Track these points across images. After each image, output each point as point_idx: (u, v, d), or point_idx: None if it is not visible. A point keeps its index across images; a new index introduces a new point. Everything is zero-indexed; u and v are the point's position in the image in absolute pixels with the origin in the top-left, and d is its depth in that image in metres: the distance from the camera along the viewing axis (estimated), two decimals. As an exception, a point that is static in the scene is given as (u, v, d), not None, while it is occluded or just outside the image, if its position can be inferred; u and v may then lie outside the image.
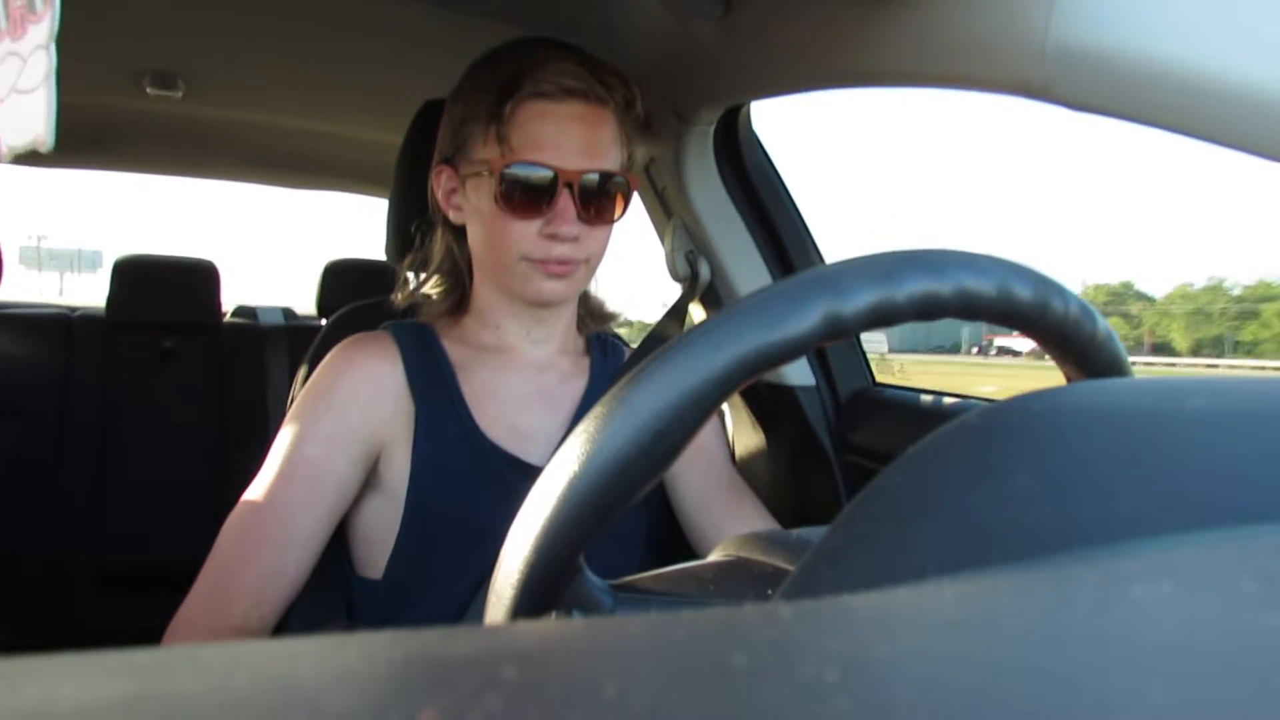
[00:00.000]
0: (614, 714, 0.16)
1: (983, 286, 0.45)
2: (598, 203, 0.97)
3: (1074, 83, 0.68)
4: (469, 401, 1.01)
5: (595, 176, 0.96)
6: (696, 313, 1.42)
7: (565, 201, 0.95)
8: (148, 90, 1.63)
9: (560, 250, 0.96)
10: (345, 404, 0.96)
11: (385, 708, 0.16)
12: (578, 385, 1.08)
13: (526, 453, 1.01)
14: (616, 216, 1.00)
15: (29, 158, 0.51)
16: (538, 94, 0.94)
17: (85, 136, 2.05)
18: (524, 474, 0.99)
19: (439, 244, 1.07)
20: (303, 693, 0.17)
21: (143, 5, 1.28)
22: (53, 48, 0.48)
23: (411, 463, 0.96)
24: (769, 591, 0.44)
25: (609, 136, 0.98)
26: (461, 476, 0.97)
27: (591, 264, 1.01)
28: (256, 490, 0.93)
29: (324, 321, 1.80)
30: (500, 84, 0.95)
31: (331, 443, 0.94)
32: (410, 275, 1.10)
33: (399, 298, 1.08)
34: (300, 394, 0.99)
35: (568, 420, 1.05)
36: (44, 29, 0.47)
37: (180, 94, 1.65)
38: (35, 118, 0.48)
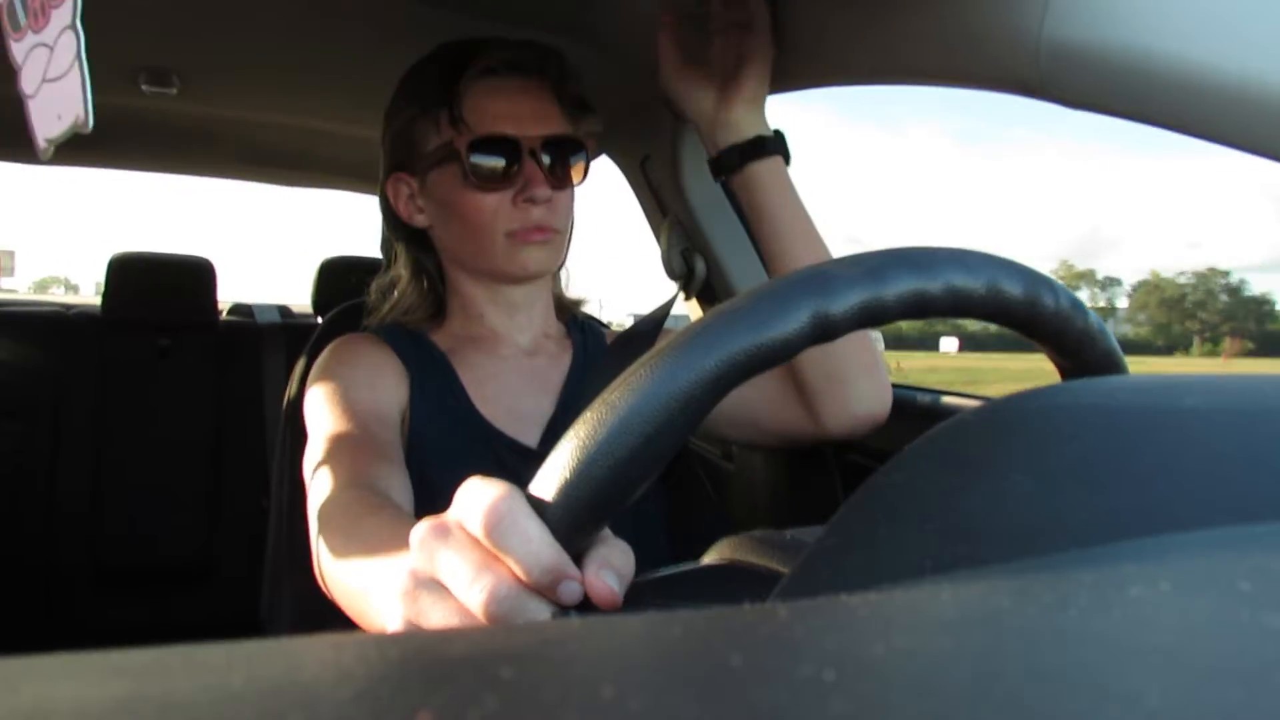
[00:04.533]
0: (611, 714, 0.16)
1: (972, 284, 0.45)
2: (561, 166, 1.00)
3: (1068, 79, 0.68)
4: (466, 386, 1.02)
5: (554, 141, 0.99)
6: (693, 310, 1.42)
7: (532, 167, 0.97)
8: (142, 88, 1.62)
9: (537, 214, 0.98)
10: (354, 382, 0.96)
11: (382, 708, 0.16)
12: (564, 364, 1.09)
13: (522, 435, 1.02)
14: (578, 180, 1.03)
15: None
16: (486, 71, 0.97)
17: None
18: (521, 457, 0.99)
19: (404, 257, 1.08)
20: (299, 693, 0.17)
21: (137, 2, 1.27)
22: (79, 25, 0.47)
23: (411, 447, 0.96)
24: (765, 592, 0.44)
25: (553, 107, 1.01)
26: (462, 460, 0.97)
27: (565, 233, 1.04)
28: (322, 450, 0.87)
29: (320, 319, 1.80)
30: (445, 72, 0.98)
31: (370, 389, 0.95)
32: (380, 298, 1.09)
33: (373, 321, 1.08)
34: (311, 394, 0.97)
35: (557, 399, 1.06)
36: (66, 10, 0.47)
37: (175, 91, 1.64)
38: (71, 100, 0.48)
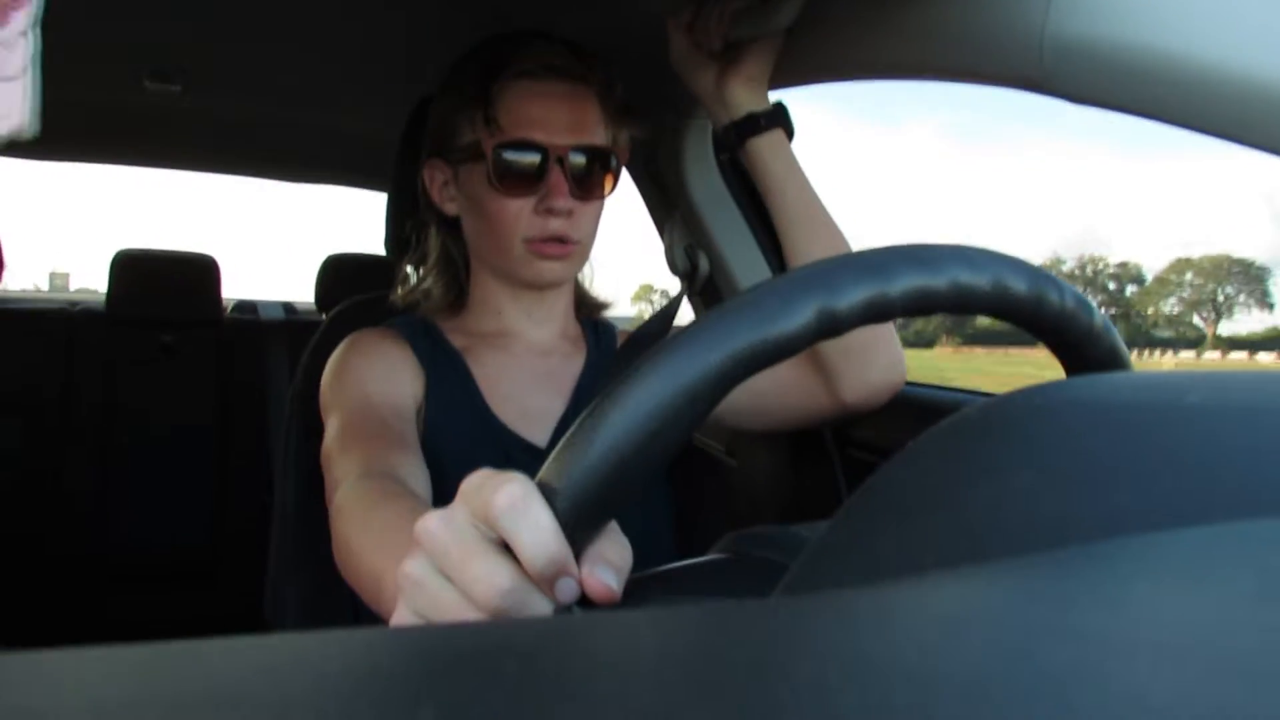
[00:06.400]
0: (614, 709, 0.16)
1: (977, 280, 0.45)
2: (588, 178, 0.99)
3: (1072, 75, 0.68)
4: (480, 384, 1.02)
5: (583, 152, 0.98)
6: (697, 306, 1.42)
7: (557, 176, 0.96)
8: (146, 85, 1.62)
9: (555, 225, 0.97)
10: (372, 375, 0.96)
11: (386, 704, 0.16)
12: (577, 364, 1.09)
13: (533, 434, 1.02)
14: (607, 192, 1.02)
15: (17, 148, 0.51)
16: (522, 74, 0.96)
17: (84, 132, 2.05)
18: (531, 456, 0.99)
19: (433, 240, 1.08)
20: (304, 688, 0.17)
21: (141, 0, 1.27)
22: (36, 31, 0.47)
23: (425, 443, 0.96)
24: (769, 587, 0.45)
25: (593, 115, 1.00)
26: (473, 457, 0.97)
27: (586, 244, 1.03)
28: (339, 438, 0.87)
29: (324, 316, 1.80)
30: (485, 69, 0.97)
31: (387, 383, 0.95)
32: (410, 272, 1.11)
33: (399, 295, 1.09)
34: (328, 385, 0.98)
35: (569, 400, 1.06)
36: (26, 14, 0.47)
37: (179, 88, 1.64)
38: (17, 105, 0.48)
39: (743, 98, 0.99)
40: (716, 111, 1.02)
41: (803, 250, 1.00)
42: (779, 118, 1.00)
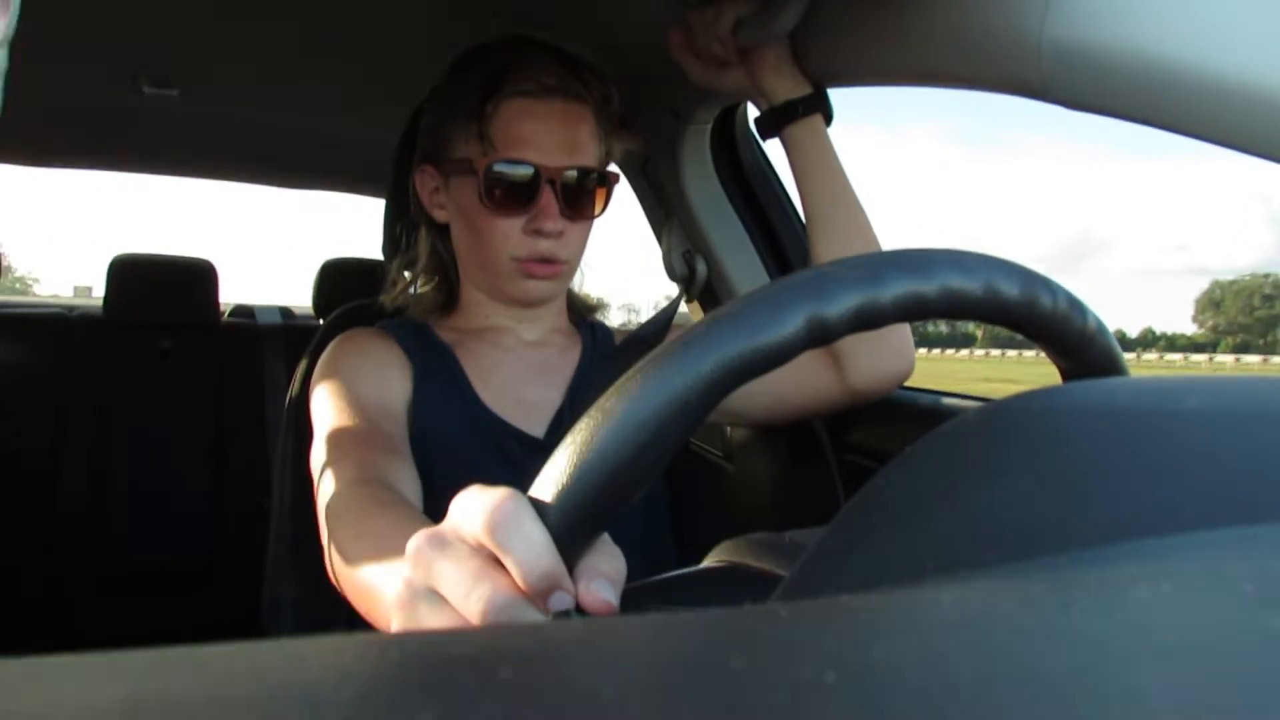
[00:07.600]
0: (611, 715, 0.16)
1: (968, 285, 0.45)
2: (579, 199, 0.99)
3: (1069, 81, 0.68)
4: (471, 377, 1.02)
5: (576, 173, 0.97)
6: (694, 311, 1.42)
7: (548, 198, 0.96)
8: (144, 90, 1.62)
9: (545, 246, 0.97)
10: (360, 376, 0.96)
11: (383, 709, 0.16)
12: (573, 358, 1.09)
13: (529, 426, 1.02)
14: (597, 212, 1.02)
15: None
16: (518, 92, 0.95)
17: (82, 137, 2.05)
18: (527, 447, 0.99)
19: (423, 243, 1.08)
20: (301, 694, 0.17)
21: (139, 5, 1.27)
22: (4, 51, 0.46)
23: (416, 440, 0.95)
24: (766, 593, 0.44)
25: (588, 133, 0.99)
26: (466, 450, 0.97)
27: (573, 263, 1.03)
28: (329, 444, 0.87)
29: (321, 321, 1.80)
30: (481, 83, 0.96)
31: (376, 384, 0.95)
32: (399, 275, 1.11)
33: (388, 298, 1.08)
34: (317, 388, 0.97)
35: (565, 391, 1.06)
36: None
37: (177, 93, 1.64)
38: None
39: (779, 86, 0.99)
40: (759, 101, 1.02)
41: (828, 241, 0.99)
42: (817, 103, 1.00)
